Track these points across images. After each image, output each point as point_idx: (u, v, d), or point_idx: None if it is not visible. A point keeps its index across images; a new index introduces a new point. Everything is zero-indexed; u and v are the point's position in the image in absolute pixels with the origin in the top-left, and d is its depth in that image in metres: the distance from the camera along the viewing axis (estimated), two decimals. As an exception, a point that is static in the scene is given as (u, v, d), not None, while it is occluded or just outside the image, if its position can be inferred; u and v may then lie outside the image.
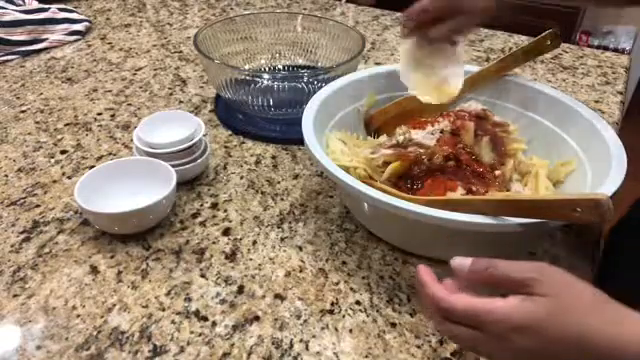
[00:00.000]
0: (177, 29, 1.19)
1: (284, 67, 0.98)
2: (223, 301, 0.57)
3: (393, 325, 0.55)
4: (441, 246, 0.61)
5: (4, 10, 1.05)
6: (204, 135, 0.74)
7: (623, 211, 0.80)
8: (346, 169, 0.62)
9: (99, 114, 0.88)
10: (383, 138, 0.72)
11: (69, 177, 0.74)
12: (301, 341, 0.53)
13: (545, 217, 0.49)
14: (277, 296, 0.58)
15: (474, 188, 0.61)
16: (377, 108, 0.77)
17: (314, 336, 0.54)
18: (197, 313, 0.56)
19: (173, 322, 0.55)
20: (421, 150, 0.64)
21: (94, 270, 0.60)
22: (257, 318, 0.55)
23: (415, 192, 0.62)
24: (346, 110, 0.74)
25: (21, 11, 1.07)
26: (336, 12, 1.29)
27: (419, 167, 0.63)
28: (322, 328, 0.54)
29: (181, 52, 1.09)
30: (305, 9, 1.30)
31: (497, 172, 0.64)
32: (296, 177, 0.75)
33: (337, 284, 0.59)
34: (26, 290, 0.58)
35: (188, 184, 0.73)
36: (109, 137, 0.82)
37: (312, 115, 0.66)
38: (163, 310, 0.56)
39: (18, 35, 1.05)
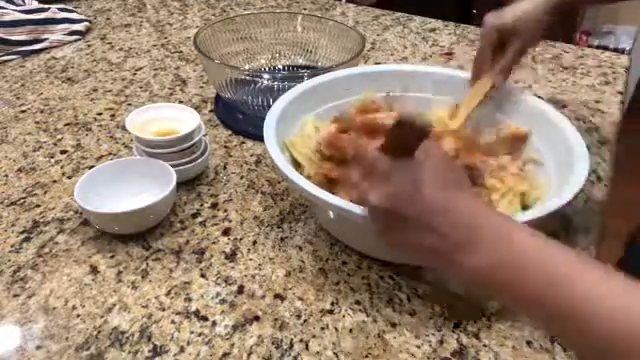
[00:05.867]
0: (177, 29, 1.19)
1: (284, 67, 0.98)
2: (223, 301, 0.57)
3: (393, 325, 0.55)
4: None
5: (4, 10, 1.05)
6: (204, 135, 0.74)
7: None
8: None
9: (99, 114, 0.88)
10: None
11: (69, 177, 0.74)
12: (301, 341, 0.53)
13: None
14: (277, 296, 0.58)
15: None
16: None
17: (314, 336, 0.54)
18: (197, 313, 0.56)
19: (173, 322, 0.55)
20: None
21: (94, 270, 0.60)
22: (257, 318, 0.55)
23: None
24: (333, 103, 0.74)
25: (21, 11, 1.07)
26: (336, 12, 1.29)
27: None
28: (322, 328, 0.54)
29: (181, 52, 1.09)
30: (305, 9, 1.30)
31: None
32: (296, 177, 0.75)
33: (337, 284, 0.59)
34: (26, 290, 0.58)
35: (188, 184, 0.73)
36: (109, 137, 0.82)
37: (287, 101, 0.68)
38: (163, 310, 0.56)
39: (18, 35, 1.05)
